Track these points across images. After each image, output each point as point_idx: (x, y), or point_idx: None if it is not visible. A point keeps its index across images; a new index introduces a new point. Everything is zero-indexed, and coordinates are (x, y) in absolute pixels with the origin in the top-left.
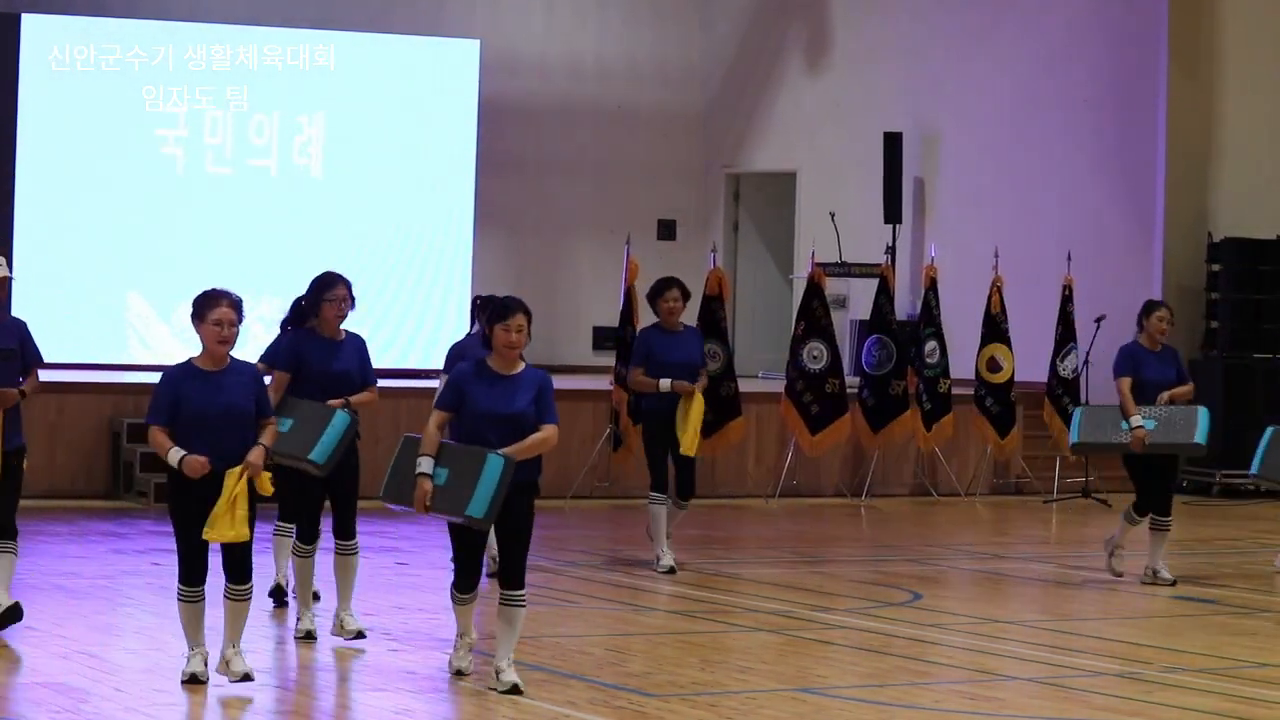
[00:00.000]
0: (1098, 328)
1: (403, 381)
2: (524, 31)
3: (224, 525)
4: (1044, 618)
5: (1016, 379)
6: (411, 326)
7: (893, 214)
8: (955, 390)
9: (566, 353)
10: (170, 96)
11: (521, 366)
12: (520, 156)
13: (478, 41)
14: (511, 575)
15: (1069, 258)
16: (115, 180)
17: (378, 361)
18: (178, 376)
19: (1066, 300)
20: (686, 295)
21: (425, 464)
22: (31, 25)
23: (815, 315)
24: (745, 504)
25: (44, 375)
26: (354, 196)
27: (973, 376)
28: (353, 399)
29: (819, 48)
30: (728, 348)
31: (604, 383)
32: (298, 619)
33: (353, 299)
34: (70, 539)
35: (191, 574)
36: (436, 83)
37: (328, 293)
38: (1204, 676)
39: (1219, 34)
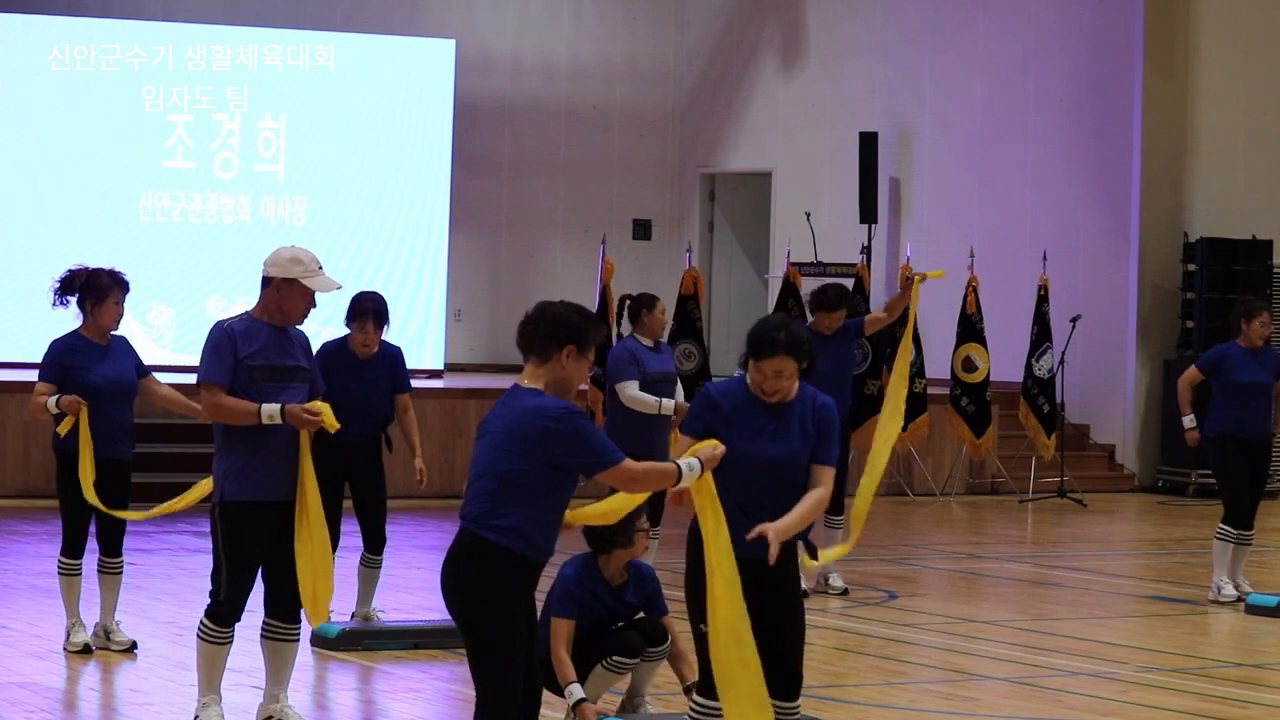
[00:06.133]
0: (1073, 327)
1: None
2: (499, 31)
3: None
4: (1019, 617)
5: (992, 379)
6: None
7: (868, 214)
8: (931, 390)
9: None
10: (171, 96)
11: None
12: (495, 156)
13: (453, 41)
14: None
15: (1044, 257)
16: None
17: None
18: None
19: (1042, 300)
20: None
21: None
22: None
23: (791, 315)
24: None
25: (23, 375)
26: (328, 196)
27: (948, 376)
28: None
29: (794, 47)
30: (703, 348)
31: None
32: None
33: None
34: (45, 538)
35: None
36: (412, 82)
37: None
38: (1179, 676)
39: (1194, 33)
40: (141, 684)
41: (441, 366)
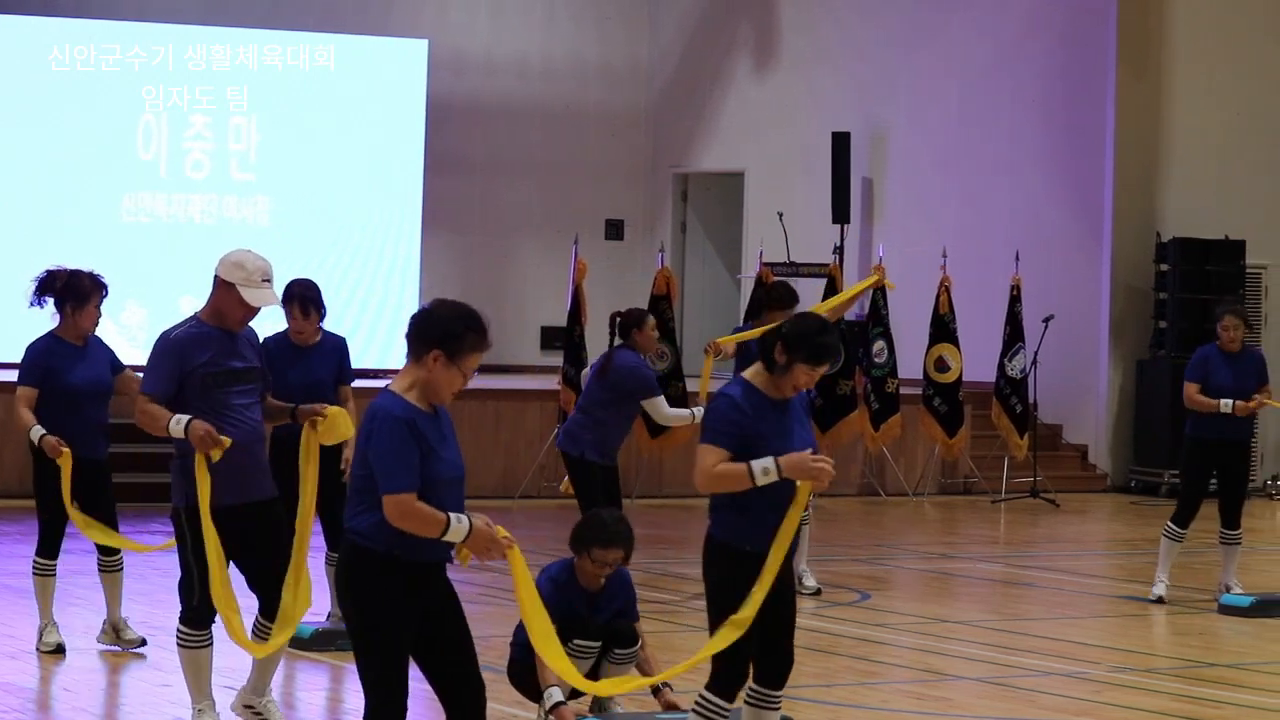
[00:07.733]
0: (1045, 328)
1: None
2: (471, 31)
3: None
4: (992, 617)
5: (964, 379)
6: (359, 327)
7: (841, 214)
8: (903, 390)
9: (514, 353)
10: (170, 96)
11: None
12: (468, 156)
13: (425, 41)
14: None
15: (1017, 258)
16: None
17: None
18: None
19: (1014, 300)
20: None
21: None
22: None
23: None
24: (694, 504)
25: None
26: (300, 196)
27: (921, 376)
28: None
29: (767, 47)
30: (676, 348)
31: (551, 382)
32: None
33: None
34: (19, 538)
35: None
36: (384, 82)
37: None
38: (1151, 676)
39: (1167, 35)
40: (115, 683)
41: None
